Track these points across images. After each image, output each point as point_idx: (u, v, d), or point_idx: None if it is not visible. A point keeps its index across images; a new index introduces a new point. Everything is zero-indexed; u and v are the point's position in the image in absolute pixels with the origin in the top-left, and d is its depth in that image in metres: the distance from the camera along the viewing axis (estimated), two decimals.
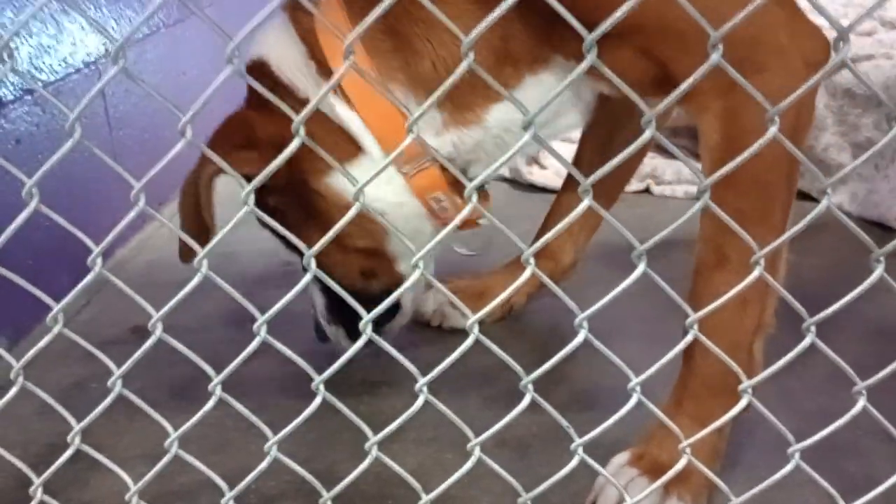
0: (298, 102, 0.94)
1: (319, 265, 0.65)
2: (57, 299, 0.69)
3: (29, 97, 1.39)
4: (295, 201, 1.04)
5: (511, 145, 1.02)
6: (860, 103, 1.82)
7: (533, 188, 2.05)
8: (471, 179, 0.64)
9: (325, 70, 0.96)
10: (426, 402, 0.70)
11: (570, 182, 1.41)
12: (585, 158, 1.34)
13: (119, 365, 0.72)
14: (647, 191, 2.03)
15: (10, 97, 1.35)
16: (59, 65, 1.51)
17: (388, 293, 0.70)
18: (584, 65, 0.57)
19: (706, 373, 0.92)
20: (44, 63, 1.46)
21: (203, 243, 0.69)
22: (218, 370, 0.71)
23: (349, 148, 0.99)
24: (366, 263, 1.11)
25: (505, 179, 2.10)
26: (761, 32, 0.84)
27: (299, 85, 0.99)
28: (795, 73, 0.88)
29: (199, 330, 1.40)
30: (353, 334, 1.12)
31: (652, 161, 2.04)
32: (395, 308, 1.17)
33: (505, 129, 1.03)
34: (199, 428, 0.75)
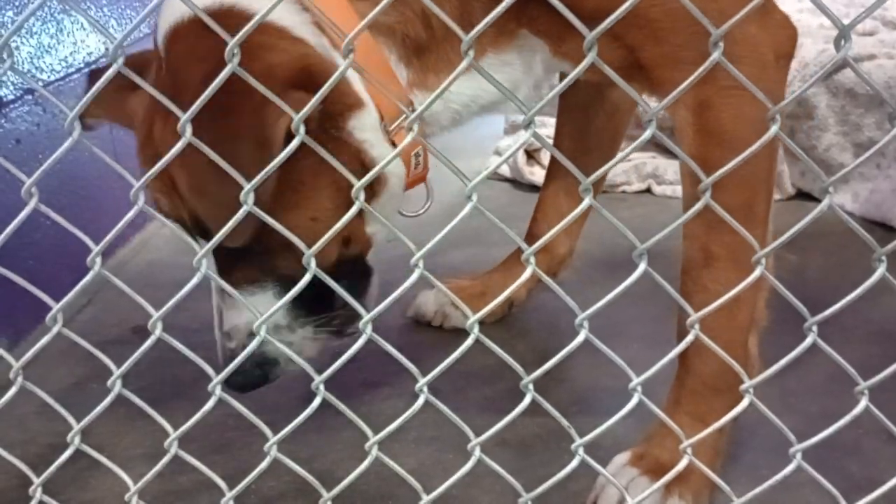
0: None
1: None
2: (58, 300, 0.69)
3: (29, 97, 1.39)
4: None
5: (466, 122, 1.03)
6: (862, 103, 1.81)
7: (534, 188, 2.04)
8: None
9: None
10: (427, 402, 0.70)
11: (553, 173, 1.39)
12: (564, 146, 1.33)
13: (120, 365, 0.72)
14: (648, 191, 2.03)
15: (11, 97, 1.35)
16: (60, 64, 1.51)
17: (361, 259, 0.85)
18: (584, 63, 0.57)
19: (703, 371, 0.92)
20: (44, 63, 1.46)
21: None
22: (218, 370, 0.71)
23: (355, 99, 0.92)
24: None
25: (506, 179, 2.10)
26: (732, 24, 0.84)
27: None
28: (766, 64, 0.88)
29: (200, 330, 1.39)
30: (332, 325, 0.99)
31: (654, 161, 2.04)
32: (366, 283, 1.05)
33: (464, 104, 1.00)
34: (200, 428, 0.74)
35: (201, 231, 0.87)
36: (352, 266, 0.95)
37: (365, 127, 0.90)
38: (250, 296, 0.92)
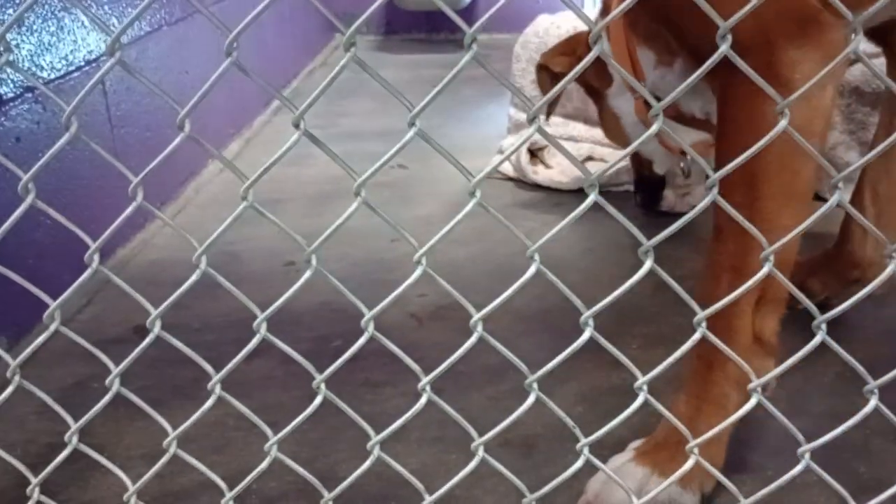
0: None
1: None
2: (58, 298, 0.68)
3: (30, 95, 1.38)
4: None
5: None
6: (868, 101, 1.80)
7: (537, 187, 2.04)
8: None
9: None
10: (430, 402, 0.69)
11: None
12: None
13: (121, 364, 0.71)
14: None
15: (11, 95, 1.34)
16: (60, 63, 1.50)
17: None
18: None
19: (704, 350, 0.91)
20: (45, 61, 1.45)
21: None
22: (219, 370, 0.70)
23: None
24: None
25: (509, 178, 2.09)
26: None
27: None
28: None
29: (201, 330, 1.39)
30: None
31: None
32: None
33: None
34: (200, 428, 0.73)
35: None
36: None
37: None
38: None
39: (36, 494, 0.75)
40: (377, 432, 0.72)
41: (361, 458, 0.73)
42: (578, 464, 0.71)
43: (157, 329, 0.67)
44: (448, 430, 1.07)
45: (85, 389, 1.23)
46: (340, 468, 1.04)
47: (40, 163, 0.62)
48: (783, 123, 0.59)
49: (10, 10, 1.33)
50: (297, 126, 0.62)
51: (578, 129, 2.15)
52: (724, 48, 0.57)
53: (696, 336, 0.66)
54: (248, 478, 0.73)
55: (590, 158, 2.08)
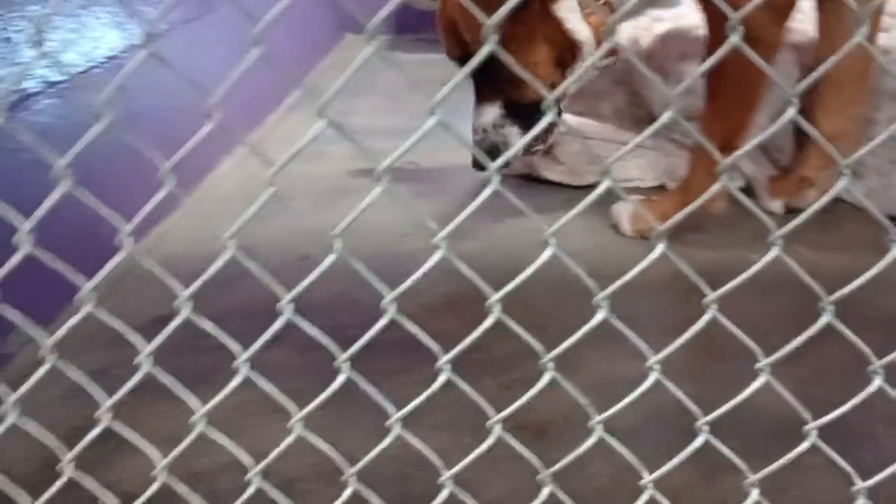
0: None
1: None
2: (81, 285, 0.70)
3: (52, 89, 1.41)
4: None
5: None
6: (875, 97, 1.82)
7: (548, 183, 2.06)
8: None
9: None
10: (443, 387, 0.71)
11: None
12: None
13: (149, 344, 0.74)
14: (662, 187, 2.04)
15: (35, 89, 1.37)
16: (81, 59, 1.53)
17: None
18: None
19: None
20: (66, 57, 1.48)
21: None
22: (245, 348, 0.72)
23: None
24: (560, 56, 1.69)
25: (520, 175, 2.11)
26: None
27: None
28: None
29: (220, 320, 1.40)
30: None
31: (667, 158, 2.04)
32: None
33: None
34: (220, 412, 0.76)
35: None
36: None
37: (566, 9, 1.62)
38: (489, 106, 1.71)
39: (70, 470, 0.78)
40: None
41: (377, 442, 0.75)
42: (591, 441, 0.73)
43: (187, 310, 0.70)
44: (462, 413, 1.09)
45: (108, 376, 1.26)
46: (357, 451, 1.06)
47: (74, 149, 0.65)
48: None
49: (37, 6, 1.36)
50: (320, 115, 0.65)
51: (589, 126, 2.17)
52: (734, 39, 0.59)
53: (707, 317, 0.68)
54: (273, 453, 0.75)
55: (599, 156, 2.10)
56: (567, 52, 1.67)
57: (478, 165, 1.71)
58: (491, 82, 1.67)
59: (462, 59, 1.70)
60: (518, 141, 1.66)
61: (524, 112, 1.68)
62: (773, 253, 0.65)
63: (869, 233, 1.53)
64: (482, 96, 1.72)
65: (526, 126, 1.68)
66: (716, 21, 1.52)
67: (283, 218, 1.82)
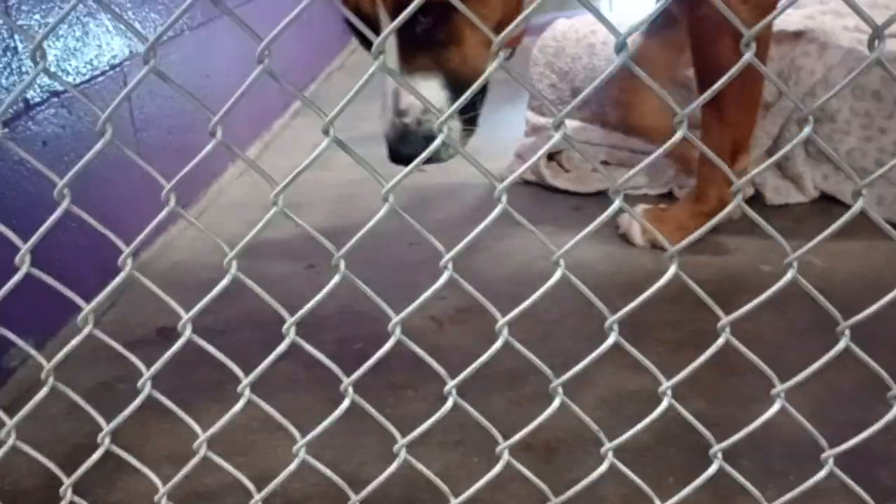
0: None
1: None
2: (83, 301, 0.69)
3: (55, 99, 1.40)
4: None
5: None
6: (887, 106, 1.80)
7: (556, 191, 2.04)
8: None
9: None
10: (452, 406, 0.70)
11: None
12: None
13: (145, 366, 0.73)
14: (670, 194, 2.02)
15: (38, 99, 1.36)
16: (85, 67, 1.52)
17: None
18: None
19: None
20: (70, 66, 1.47)
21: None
22: (245, 372, 0.71)
23: None
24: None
25: (528, 182, 2.09)
26: None
27: None
28: None
29: (225, 332, 1.40)
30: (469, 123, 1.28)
31: (675, 166, 2.02)
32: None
33: None
34: (225, 430, 0.75)
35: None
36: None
37: None
38: (424, 80, 1.15)
39: (69, 495, 0.77)
40: (401, 435, 0.73)
41: (384, 461, 0.73)
42: (603, 468, 0.72)
43: (188, 332, 0.68)
44: (469, 433, 1.08)
45: (111, 391, 1.25)
46: (363, 471, 1.05)
47: (75, 168, 0.64)
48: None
49: (37, 16, 1.35)
50: (326, 133, 0.64)
51: (595, 133, 2.15)
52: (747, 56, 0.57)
53: (720, 341, 0.66)
54: (277, 479, 0.74)
55: (605, 163, 2.08)
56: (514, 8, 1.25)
57: (398, 159, 1.21)
58: (422, 43, 1.15)
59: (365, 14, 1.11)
60: (457, 137, 1.21)
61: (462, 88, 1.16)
62: (789, 276, 0.63)
63: (882, 241, 1.51)
64: (410, 62, 1.17)
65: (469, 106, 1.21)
66: (699, 27, 1.55)
67: (291, 224, 1.80)
